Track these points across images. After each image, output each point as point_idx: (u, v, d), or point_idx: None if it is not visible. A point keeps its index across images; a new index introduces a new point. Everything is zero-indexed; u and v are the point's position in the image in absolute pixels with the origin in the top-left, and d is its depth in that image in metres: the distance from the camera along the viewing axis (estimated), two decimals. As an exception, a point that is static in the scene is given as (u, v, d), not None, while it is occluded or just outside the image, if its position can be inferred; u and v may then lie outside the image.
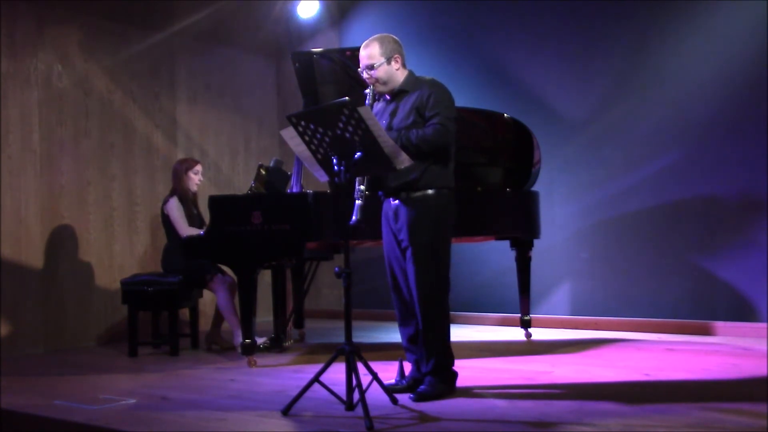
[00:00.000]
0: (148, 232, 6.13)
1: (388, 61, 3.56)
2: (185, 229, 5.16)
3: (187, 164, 5.39)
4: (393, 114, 3.59)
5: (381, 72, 3.56)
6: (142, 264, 6.05)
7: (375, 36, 3.62)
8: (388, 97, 3.67)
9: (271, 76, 7.46)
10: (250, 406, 3.48)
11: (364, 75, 3.60)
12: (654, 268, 5.60)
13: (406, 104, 3.57)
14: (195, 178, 5.37)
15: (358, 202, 3.38)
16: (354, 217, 3.32)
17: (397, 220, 3.58)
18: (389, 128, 3.54)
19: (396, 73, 3.59)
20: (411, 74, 3.65)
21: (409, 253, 3.53)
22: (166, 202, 5.28)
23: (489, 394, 3.59)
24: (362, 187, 3.42)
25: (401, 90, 3.61)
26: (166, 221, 5.26)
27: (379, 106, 3.69)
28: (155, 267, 5.77)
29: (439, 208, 3.54)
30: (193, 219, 5.32)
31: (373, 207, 3.63)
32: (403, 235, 3.55)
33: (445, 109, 3.51)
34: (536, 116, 5.76)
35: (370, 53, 3.56)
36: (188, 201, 5.34)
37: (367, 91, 3.60)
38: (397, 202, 3.57)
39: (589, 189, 5.90)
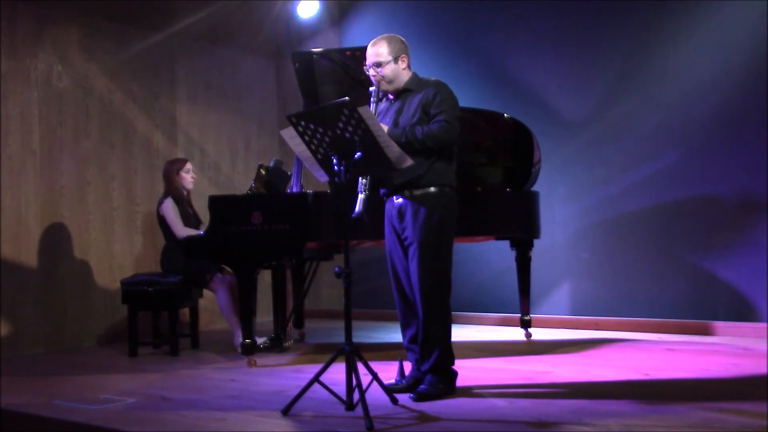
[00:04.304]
0: (148, 232, 6.13)
1: (395, 60, 3.59)
2: (182, 230, 5.16)
3: (177, 164, 5.40)
4: (399, 112, 3.62)
5: (387, 70, 3.59)
6: (142, 264, 6.04)
7: (383, 35, 3.66)
8: (391, 96, 3.70)
9: (271, 76, 7.46)
10: (250, 406, 3.48)
11: (371, 72, 3.62)
12: (654, 268, 5.60)
13: (412, 103, 3.60)
14: (187, 177, 5.38)
15: (360, 195, 3.38)
16: (357, 209, 3.32)
17: (401, 218, 3.59)
18: (395, 126, 3.56)
19: (402, 72, 3.63)
20: (415, 75, 3.69)
21: (411, 250, 3.54)
22: (160, 203, 5.28)
23: (489, 394, 3.59)
24: (365, 181, 3.42)
25: (406, 89, 3.64)
26: (162, 223, 5.27)
27: (383, 105, 3.72)
28: (155, 267, 5.76)
29: (443, 207, 3.55)
30: (189, 219, 5.33)
31: (372, 206, 3.63)
32: (406, 233, 3.56)
33: (450, 107, 3.54)
34: (536, 116, 5.75)
35: (378, 51, 3.59)
36: (183, 201, 5.34)
37: (372, 89, 3.61)
38: (400, 200, 3.58)
39: (589, 189, 5.90)
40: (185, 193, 5.40)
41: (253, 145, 7.20)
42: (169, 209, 5.22)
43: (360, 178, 3.43)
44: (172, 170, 5.35)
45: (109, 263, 5.87)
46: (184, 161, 5.45)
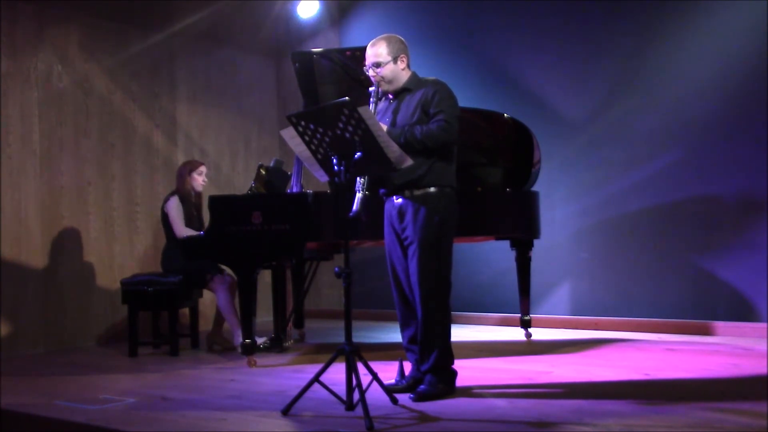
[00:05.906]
0: (148, 232, 6.13)
1: (395, 60, 3.60)
2: (182, 229, 5.17)
3: (191, 165, 5.44)
4: (397, 111, 3.63)
5: (387, 70, 3.59)
6: (142, 264, 6.04)
7: (383, 35, 3.66)
8: (391, 96, 3.70)
9: (271, 76, 7.46)
10: (250, 406, 3.48)
11: (370, 72, 3.62)
12: (654, 268, 5.60)
13: (411, 102, 3.60)
14: (199, 179, 5.40)
15: (358, 194, 3.38)
16: (354, 208, 3.32)
17: (401, 218, 3.59)
18: (393, 125, 3.56)
19: (401, 72, 3.63)
20: (415, 74, 3.69)
21: (411, 250, 3.54)
22: (166, 200, 5.30)
23: (489, 394, 3.59)
24: (363, 180, 3.42)
25: (405, 88, 3.64)
26: (165, 220, 5.28)
27: (382, 104, 3.71)
28: (155, 267, 5.76)
29: (444, 207, 3.55)
30: (192, 221, 5.33)
31: (372, 206, 3.63)
32: (407, 233, 3.56)
33: (450, 107, 3.54)
34: (536, 116, 5.75)
35: (377, 51, 3.59)
36: (189, 202, 5.36)
37: (372, 89, 3.62)
38: (400, 200, 3.58)
39: (589, 189, 5.90)
40: (193, 195, 5.42)
41: (253, 145, 7.20)
42: (173, 207, 5.23)
43: (358, 177, 3.43)
44: (184, 171, 5.39)
45: (109, 263, 5.87)
46: (199, 163, 5.49)
